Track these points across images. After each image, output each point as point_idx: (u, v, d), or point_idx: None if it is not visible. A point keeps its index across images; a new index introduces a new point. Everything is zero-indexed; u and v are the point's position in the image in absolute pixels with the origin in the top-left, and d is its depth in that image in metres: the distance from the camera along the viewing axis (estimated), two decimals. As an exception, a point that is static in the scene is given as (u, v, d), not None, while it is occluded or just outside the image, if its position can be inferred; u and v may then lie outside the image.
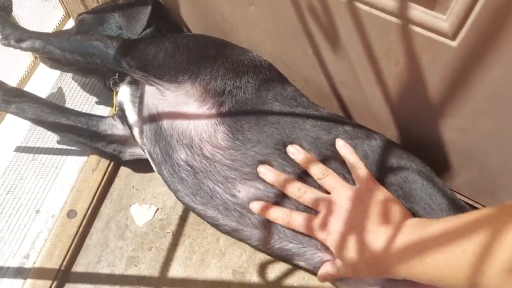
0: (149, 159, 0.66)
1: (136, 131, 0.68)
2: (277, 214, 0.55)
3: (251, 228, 0.58)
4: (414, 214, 0.52)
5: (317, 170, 0.55)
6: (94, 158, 0.76)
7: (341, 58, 0.60)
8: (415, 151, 0.60)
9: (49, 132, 0.79)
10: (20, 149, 0.78)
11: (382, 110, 0.64)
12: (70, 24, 0.94)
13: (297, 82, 0.71)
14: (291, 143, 0.58)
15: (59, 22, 0.92)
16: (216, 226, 0.62)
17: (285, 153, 0.57)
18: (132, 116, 0.70)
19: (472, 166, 0.60)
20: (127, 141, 0.73)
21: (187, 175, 0.61)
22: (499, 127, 0.52)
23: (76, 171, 0.75)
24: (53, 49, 0.67)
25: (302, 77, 0.70)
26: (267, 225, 0.57)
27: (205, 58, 0.65)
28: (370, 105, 0.65)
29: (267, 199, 0.57)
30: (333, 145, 0.58)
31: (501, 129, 0.52)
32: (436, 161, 0.60)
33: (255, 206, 0.57)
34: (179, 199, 0.64)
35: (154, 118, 0.65)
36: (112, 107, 0.81)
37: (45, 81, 0.86)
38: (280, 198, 0.56)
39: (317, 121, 0.59)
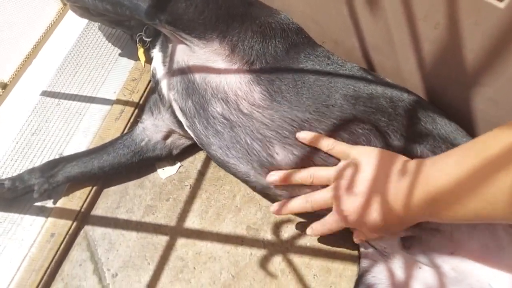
0: (180, 115, 0.66)
1: (164, 87, 0.68)
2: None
3: (281, 189, 0.58)
4: None
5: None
6: (117, 107, 0.77)
7: (377, 19, 0.59)
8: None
9: (75, 79, 0.80)
10: (46, 93, 0.79)
11: (413, 76, 0.62)
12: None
13: (327, 44, 0.69)
14: (329, 106, 0.57)
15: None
16: (246, 182, 0.63)
17: (325, 116, 0.57)
18: (160, 73, 0.69)
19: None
20: (167, 137, 0.72)
21: (223, 128, 0.60)
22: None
23: (99, 119, 0.76)
24: None
25: (333, 39, 0.68)
26: (297, 188, 0.58)
27: (233, 17, 0.64)
28: (401, 71, 0.63)
29: (301, 166, 0.57)
30: (371, 99, 0.58)
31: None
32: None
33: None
34: (209, 153, 0.64)
35: (185, 73, 0.64)
36: (136, 60, 0.82)
37: (72, 29, 0.86)
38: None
39: (354, 79, 0.59)
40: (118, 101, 0.78)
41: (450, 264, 0.45)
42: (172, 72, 0.67)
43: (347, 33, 0.65)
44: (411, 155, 0.53)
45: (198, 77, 0.63)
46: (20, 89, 0.79)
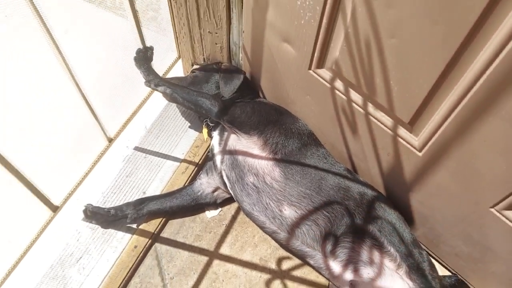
0: (226, 180, 1.02)
1: (218, 160, 1.05)
2: None
3: (285, 232, 0.94)
4: (382, 246, 0.85)
5: None
6: (184, 165, 1.15)
7: (356, 140, 0.95)
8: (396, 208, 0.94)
9: (158, 140, 1.19)
10: (137, 148, 1.17)
11: (376, 177, 0.98)
12: (180, 64, 1.32)
13: (326, 145, 1.06)
14: (322, 189, 0.92)
15: (172, 62, 1.30)
16: (262, 227, 0.98)
17: (318, 194, 0.92)
18: (216, 149, 1.06)
19: (426, 224, 0.93)
20: (215, 191, 1.08)
21: (252, 192, 0.96)
22: (441, 207, 0.85)
23: (171, 171, 1.14)
24: (177, 97, 1.06)
25: (331, 143, 1.05)
26: (296, 234, 0.92)
27: (269, 122, 1.02)
28: (370, 172, 0.99)
29: (301, 219, 0.91)
30: (348, 190, 0.92)
31: (442, 209, 0.86)
32: (405, 217, 0.94)
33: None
34: (241, 206, 1.00)
35: (232, 153, 1.02)
36: (200, 132, 1.20)
37: (158, 103, 1.25)
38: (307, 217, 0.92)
39: (339, 175, 0.95)
40: (184, 160, 1.16)
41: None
42: (224, 150, 1.05)
43: (339, 142, 1.01)
44: (365, 230, 0.87)
45: (240, 157, 1.00)
46: (120, 143, 1.17)
